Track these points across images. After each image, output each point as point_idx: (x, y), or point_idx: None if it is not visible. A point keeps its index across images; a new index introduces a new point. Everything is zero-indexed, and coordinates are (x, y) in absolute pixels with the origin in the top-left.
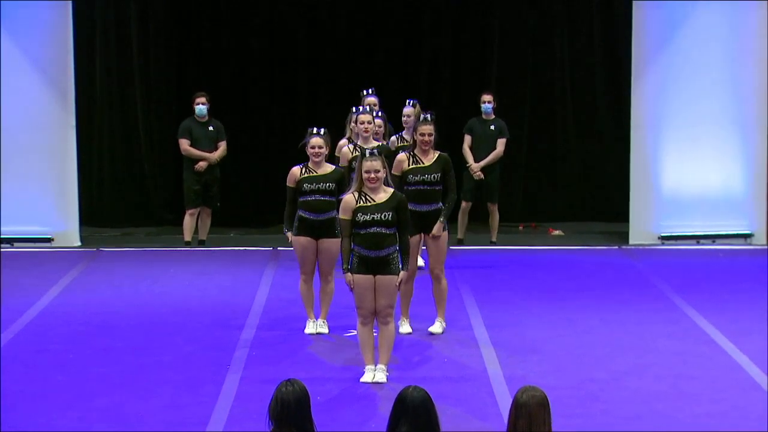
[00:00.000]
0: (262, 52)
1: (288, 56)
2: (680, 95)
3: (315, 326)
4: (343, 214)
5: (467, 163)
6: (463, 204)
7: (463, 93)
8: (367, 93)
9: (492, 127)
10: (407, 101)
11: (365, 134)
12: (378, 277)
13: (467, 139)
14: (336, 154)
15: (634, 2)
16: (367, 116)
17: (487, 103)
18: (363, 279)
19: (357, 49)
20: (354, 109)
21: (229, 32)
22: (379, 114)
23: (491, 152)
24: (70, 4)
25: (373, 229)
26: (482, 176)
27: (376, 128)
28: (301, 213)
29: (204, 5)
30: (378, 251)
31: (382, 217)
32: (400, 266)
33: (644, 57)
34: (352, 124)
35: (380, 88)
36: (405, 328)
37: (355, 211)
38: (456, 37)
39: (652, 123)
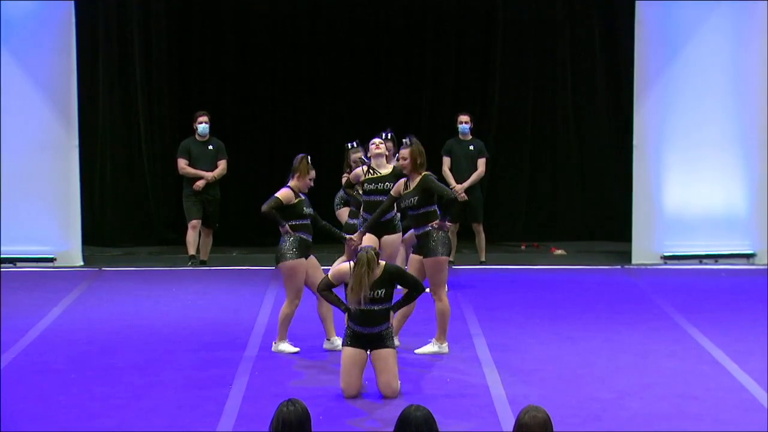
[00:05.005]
0: (264, 71)
1: (291, 73)
2: (683, 115)
3: (332, 343)
4: (332, 277)
5: (450, 185)
6: (450, 226)
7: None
8: (385, 136)
9: (471, 147)
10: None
11: (377, 159)
12: (374, 351)
13: (446, 160)
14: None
15: (636, 24)
16: (379, 141)
17: (464, 123)
18: (354, 352)
19: (359, 65)
20: (349, 145)
21: (231, 53)
22: (389, 136)
23: (471, 172)
24: (73, 26)
25: (366, 307)
26: (465, 197)
27: (386, 151)
28: (301, 235)
29: (207, 25)
30: (371, 328)
31: (376, 294)
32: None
33: (646, 77)
34: (351, 156)
35: (381, 102)
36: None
37: (348, 284)
38: (458, 59)
39: (654, 143)
